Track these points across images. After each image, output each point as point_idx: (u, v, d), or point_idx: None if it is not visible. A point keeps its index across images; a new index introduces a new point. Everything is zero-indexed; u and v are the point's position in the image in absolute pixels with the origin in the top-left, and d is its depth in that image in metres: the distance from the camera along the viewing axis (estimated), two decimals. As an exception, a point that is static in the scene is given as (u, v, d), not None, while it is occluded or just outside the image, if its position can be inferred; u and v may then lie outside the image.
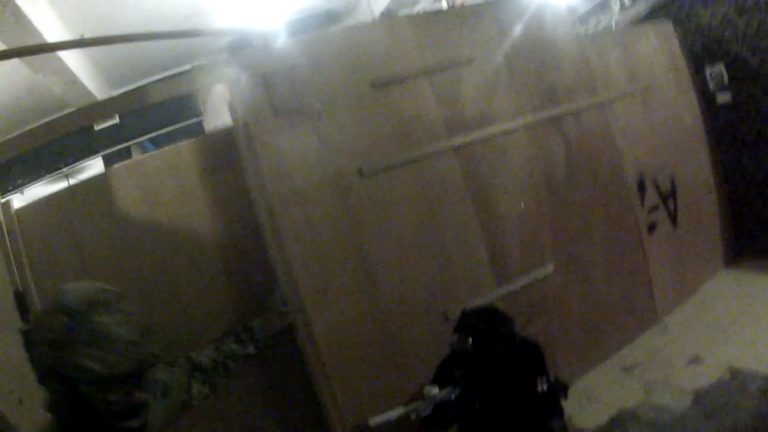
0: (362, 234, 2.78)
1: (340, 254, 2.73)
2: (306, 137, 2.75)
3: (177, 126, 5.51)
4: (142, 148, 5.68)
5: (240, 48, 3.00)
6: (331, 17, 5.27)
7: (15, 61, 4.17)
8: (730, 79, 4.03)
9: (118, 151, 5.46)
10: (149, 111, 5.28)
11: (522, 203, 3.17)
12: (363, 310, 2.74)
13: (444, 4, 4.74)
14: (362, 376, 2.72)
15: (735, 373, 2.82)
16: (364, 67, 2.94)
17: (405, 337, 2.82)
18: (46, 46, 3.90)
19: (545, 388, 2.17)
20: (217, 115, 2.83)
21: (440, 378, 2.30)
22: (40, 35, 3.98)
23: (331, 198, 2.75)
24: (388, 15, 3.31)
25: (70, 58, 4.66)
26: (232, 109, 2.67)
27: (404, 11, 4.88)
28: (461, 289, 2.95)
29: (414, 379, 2.75)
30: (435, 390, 2.19)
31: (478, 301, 2.90)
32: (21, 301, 2.36)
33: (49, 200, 2.58)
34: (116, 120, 5.29)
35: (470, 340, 2.15)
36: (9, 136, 2.87)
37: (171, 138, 5.31)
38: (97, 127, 5.33)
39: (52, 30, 4.24)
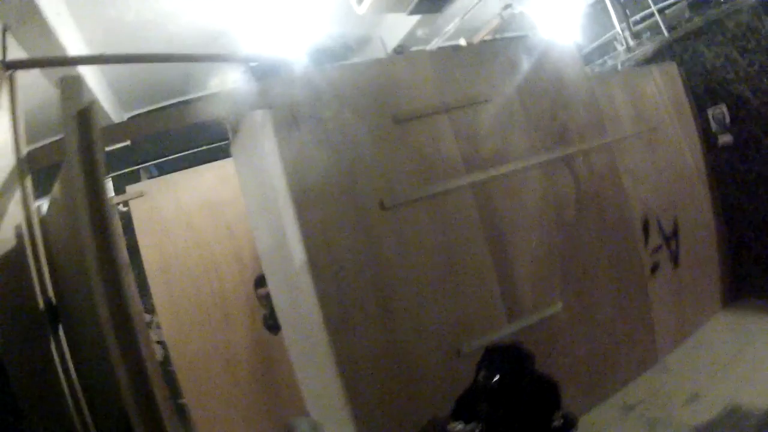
0: (382, 266, 2.84)
1: (360, 286, 2.78)
2: (330, 169, 2.83)
3: (189, 152, 5.54)
4: (148, 171, 5.70)
5: (263, 76, 3.08)
6: (344, 51, 5.34)
7: (35, 74, 4.18)
8: (732, 119, 4.14)
9: (126, 174, 5.46)
10: (162, 135, 5.30)
11: (533, 242, 3.25)
12: (380, 342, 2.78)
13: (463, 42, 4.86)
14: (380, 408, 2.72)
15: (734, 409, 2.92)
16: (387, 101, 3.04)
17: (419, 370, 2.86)
18: (67, 59, 3.92)
19: (561, 423, 2.26)
20: (249, 142, 2.87)
21: (460, 412, 2.38)
22: (63, 49, 3.98)
23: (354, 230, 2.81)
24: (401, 50, 3.41)
25: (89, 76, 4.65)
26: (259, 138, 2.71)
27: (417, 48, 4.97)
28: (474, 325, 3.02)
29: (428, 412, 2.79)
30: (460, 426, 2.28)
31: (489, 337, 2.98)
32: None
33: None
34: (127, 142, 5.29)
35: (496, 376, 2.24)
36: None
37: (182, 162, 5.31)
38: (106, 149, 5.32)
39: (74, 46, 4.25)
